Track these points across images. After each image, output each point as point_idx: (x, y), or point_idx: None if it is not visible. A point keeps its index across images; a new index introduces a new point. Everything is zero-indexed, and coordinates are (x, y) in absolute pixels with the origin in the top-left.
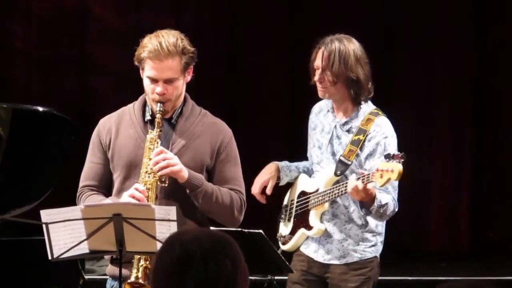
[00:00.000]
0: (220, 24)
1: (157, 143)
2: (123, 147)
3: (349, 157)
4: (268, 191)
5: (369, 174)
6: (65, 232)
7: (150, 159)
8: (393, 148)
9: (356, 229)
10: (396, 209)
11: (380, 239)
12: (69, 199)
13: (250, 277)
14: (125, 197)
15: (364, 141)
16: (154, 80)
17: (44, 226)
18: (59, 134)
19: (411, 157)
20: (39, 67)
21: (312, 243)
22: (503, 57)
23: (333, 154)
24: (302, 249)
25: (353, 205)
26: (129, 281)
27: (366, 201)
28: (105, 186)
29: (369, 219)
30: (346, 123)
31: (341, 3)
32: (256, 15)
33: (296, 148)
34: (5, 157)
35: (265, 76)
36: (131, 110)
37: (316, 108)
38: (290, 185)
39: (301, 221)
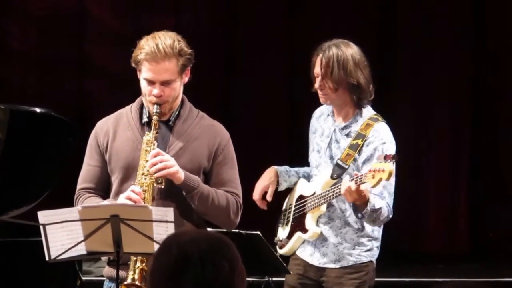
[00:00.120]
0: (219, 25)
1: (154, 145)
2: (120, 149)
3: (347, 161)
4: (269, 197)
5: (362, 174)
6: (62, 233)
7: (147, 161)
8: (389, 153)
9: (352, 233)
10: (391, 216)
11: (376, 244)
12: (67, 201)
13: (248, 279)
14: (122, 199)
15: (362, 145)
16: (151, 82)
17: (41, 227)
18: (57, 135)
19: (409, 157)
20: (36, 68)
21: (308, 246)
22: (503, 58)
23: (331, 157)
24: (298, 252)
25: (350, 209)
26: (125, 282)
27: (359, 204)
28: (102, 188)
29: (366, 223)
30: (345, 127)
31: (341, 3)
32: (254, 15)
33: (295, 150)
34: (3, 158)
35: (264, 77)
36: (128, 112)
37: (317, 112)
38: (289, 189)
39: (298, 224)
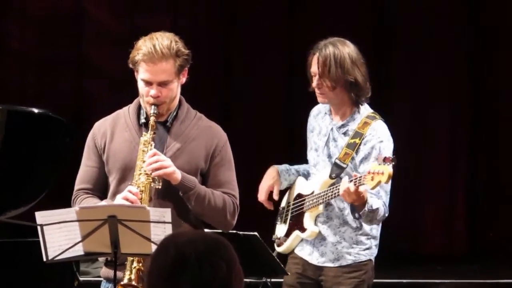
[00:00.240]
0: (217, 26)
1: (151, 145)
2: (118, 150)
3: (345, 160)
4: (275, 196)
5: (361, 176)
6: (60, 234)
7: (144, 161)
8: (388, 152)
9: (351, 231)
10: (387, 214)
11: (375, 242)
12: (64, 201)
13: (245, 279)
14: (119, 199)
15: (360, 144)
16: (148, 83)
17: (39, 227)
18: (54, 136)
19: (407, 158)
20: (35, 68)
21: (307, 245)
22: (501, 58)
23: (329, 156)
24: (296, 251)
25: (348, 208)
26: (122, 283)
27: (357, 205)
28: (100, 189)
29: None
30: (342, 125)
31: (340, 3)
32: (253, 16)
33: (294, 151)
34: (0, 158)
35: (263, 78)
36: (126, 113)
37: (314, 110)
38: (288, 188)
39: (296, 223)
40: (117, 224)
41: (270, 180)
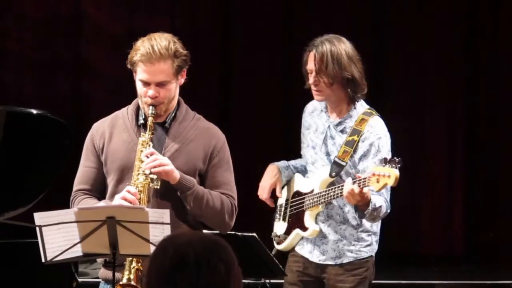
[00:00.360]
0: (215, 27)
1: (149, 145)
2: (116, 151)
3: (344, 158)
4: (279, 193)
5: (365, 178)
6: (58, 235)
7: (142, 161)
8: (386, 149)
9: (351, 229)
10: (389, 211)
11: (375, 238)
12: (63, 202)
13: (244, 280)
14: (117, 200)
15: (358, 141)
16: (146, 83)
17: (37, 228)
18: (53, 137)
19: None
20: (33, 69)
21: (307, 243)
22: (498, 58)
23: (328, 154)
24: (297, 249)
25: (348, 206)
26: (121, 282)
27: (361, 205)
28: (98, 190)
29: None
30: (340, 123)
31: (337, 3)
32: (250, 16)
33: (292, 150)
34: None
35: (261, 79)
36: (124, 114)
37: (309, 107)
38: (284, 184)
39: (296, 221)
40: (116, 225)
41: (272, 178)
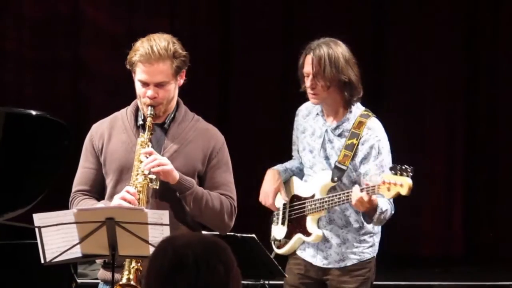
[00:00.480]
0: (214, 28)
1: (148, 146)
2: (115, 151)
3: (345, 162)
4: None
5: (374, 186)
6: (57, 236)
7: (141, 161)
8: (386, 150)
9: (354, 232)
10: (393, 212)
11: (377, 239)
12: (62, 203)
13: (243, 282)
14: (116, 200)
15: (358, 144)
16: (145, 84)
17: (36, 229)
18: (52, 138)
19: (404, 159)
20: (32, 70)
21: (309, 248)
22: (498, 58)
23: (327, 158)
24: (298, 253)
25: (350, 209)
26: (120, 282)
27: (369, 211)
28: (97, 191)
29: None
30: (337, 127)
31: (337, 3)
32: (250, 17)
33: (291, 150)
34: None
35: (260, 80)
36: (123, 115)
37: (303, 110)
38: None
39: (297, 226)
40: (115, 226)
41: (274, 183)
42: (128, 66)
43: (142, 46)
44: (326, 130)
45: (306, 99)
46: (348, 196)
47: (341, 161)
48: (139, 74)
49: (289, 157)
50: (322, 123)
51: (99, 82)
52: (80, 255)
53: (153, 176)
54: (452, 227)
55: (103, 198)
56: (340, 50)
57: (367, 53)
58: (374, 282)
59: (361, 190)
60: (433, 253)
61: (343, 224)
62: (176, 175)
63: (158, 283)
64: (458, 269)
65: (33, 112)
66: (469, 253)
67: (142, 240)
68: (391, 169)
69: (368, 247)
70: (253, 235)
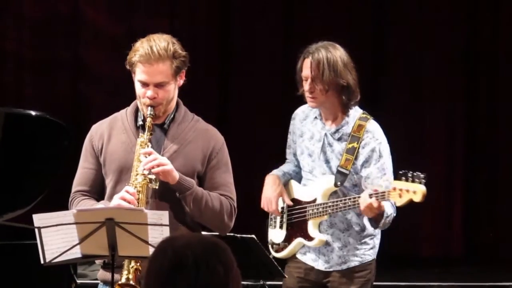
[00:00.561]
0: (214, 28)
1: (148, 146)
2: (114, 152)
3: (347, 167)
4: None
5: (384, 192)
6: (57, 237)
7: (141, 161)
8: (387, 153)
9: (355, 235)
10: (395, 214)
11: (377, 241)
12: (62, 204)
13: (243, 282)
14: (116, 200)
15: (359, 148)
16: (145, 84)
17: (36, 230)
18: (52, 138)
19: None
20: (31, 70)
21: (311, 251)
22: (498, 58)
23: (327, 161)
24: (299, 256)
25: (351, 212)
26: (119, 282)
27: (377, 216)
28: (97, 191)
29: (366, 223)
30: (337, 131)
31: (337, 3)
32: (250, 18)
33: None
34: None
35: (260, 81)
36: (123, 115)
37: (300, 114)
38: None
39: (298, 230)
40: (115, 226)
41: (277, 188)
42: (127, 67)
43: (141, 47)
44: (326, 134)
45: (306, 101)
46: (354, 201)
47: (343, 166)
48: (139, 75)
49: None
50: (321, 127)
51: (99, 82)
52: (79, 255)
53: (153, 176)
54: (452, 227)
55: (102, 199)
56: (338, 53)
57: (367, 53)
58: (374, 283)
59: (370, 196)
60: (433, 254)
61: (344, 228)
62: (176, 175)
63: (157, 284)
64: (458, 269)
65: (33, 113)
66: (469, 253)
67: (142, 241)
68: (402, 175)
69: (369, 249)
70: (253, 236)
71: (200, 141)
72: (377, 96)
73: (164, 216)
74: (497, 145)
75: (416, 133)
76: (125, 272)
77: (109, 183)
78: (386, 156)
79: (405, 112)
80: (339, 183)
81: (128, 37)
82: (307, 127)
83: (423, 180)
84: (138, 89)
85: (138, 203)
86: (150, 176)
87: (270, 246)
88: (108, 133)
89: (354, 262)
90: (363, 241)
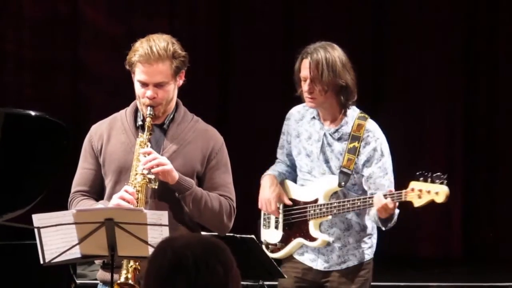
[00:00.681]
0: (213, 29)
1: (147, 146)
2: (114, 152)
3: (349, 166)
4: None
5: (400, 193)
6: (57, 237)
7: (140, 161)
8: (388, 151)
9: (355, 234)
10: (398, 211)
11: (375, 240)
12: (62, 204)
13: (242, 282)
14: (115, 199)
15: (360, 147)
16: (144, 84)
17: (36, 230)
18: (52, 138)
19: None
20: (31, 70)
21: (309, 252)
22: (498, 58)
23: (326, 161)
24: (296, 256)
25: (351, 212)
26: (118, 281)
27: (389, 216)
28: (96, 191)
29: (367, 222)
30: (336, 131)
31: (337, 3)
32: (249, 18)
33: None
34: None
35: (259, 81)
36: (122, 116)
37: (295, 114)
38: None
39: (297, 230)
40: (114, 227)
41: (275, 188)
42: (127, 67)
43: (141, 47)
44: (325, 134)
45: (304, 101)
46: (365, 202)
47: (345, 165)
48: (138, 75)
49: None
50: (320, 127)
51: (99, 82)
52: (79, 255)
53: (152, 176)
54: (452, 227)
55: (102, 199)
56: (337, 54)
57: (367, 53)
58: (374, 283)
59: (385, 197)
60: (432, 254)
61: (345, 228)
62: (176, 175)
63: (157, 284)
64: (458, 269)
65: (32, 113)
66: (469, 254)
67: (141, 241)
68: (420, 176)
69: (367, 248)
70: (252, 236)
71: (199, 141)
72: (377, 96)
73: (163, 216)
74: (496, 145)
75: (416, 133)
76: (124, 272)
77: (108, 183)
78: (386, 155)
79: (405, 112)
80: (342, 183)
81: (128, 37)
82: (304, 127)
83: (445, 181)
84: (138, 89)
85: (138, 203)
86: (149, 176)
87: (264, 246)
88: (108, 134)
89: (354, 261)
90: (362, 240)
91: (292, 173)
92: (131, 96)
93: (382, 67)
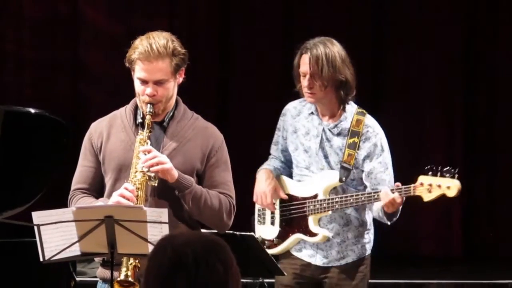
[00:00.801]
0: (213, 28)
1: (147, 143)
2: (114, 150)
3: (350, 162)
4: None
5: (408, 187)
6: (56, 234)
7: (140, 159)
8: (387, 147)
9: (354, 229)
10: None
11: (372, 235)
12: (61, 201)
13: (242, 280)
14: (115, 197)
15: (359, 142)
16: (144, 82)
17: (35, 228)
18: (51, 136)
19: (403, 159)
20: (32, 70)
21: (307, 247)
22: (498, 58)
23: (325, 157)
24: (294, 252)
25: (350, 207)
26: (118, 279)
27: (395, 211)
28: (96, 189)
29: (366, 218)
30: (335, 126)
31: (337, 3)
32: (249, 17)
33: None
34: None
35: (259, 79)
36: (122, 113)
37: (291, 110)
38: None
39: (296, 226)
40: (114, 224)
41: (271, 182)
42: (127, 64)
43: (141, 44)
44: (324, 129)
45: (303, 96)
46: (370, 196)
47: (346, 161)
48: (138, 72)
49: None
50: (318, 122)
51: (99, 82)
52: (79, 253)
53: (152, 174)
54: (452, 227)
55: (102, 196)
56: (336, 49)
57: (367, 53)
58: (375, 280)
59: (393, 191)
60: (433, 253)
61: (344, 223)
62: (175, 173)
63: (157, 282)
64: (458, 267)
65: (32, 110)
66: (468, 253)
67: (141, 238)
68: (429, 170)
69: (366, 244)
70: (252, 234)
71: (199, 139)
72: (377, 96)
73: (163, 213)
74: (496, 145)
75: (416, 133)
76: (123, 269)
77: (108, 181)
78: (386, 150)
79: (405, 112)
80: (343, 178)
81: (128, 37)
82: (301, 123)
83: (456, 174)
84: (138, 86)
85: (137, 200)
86: (149, 174)
87: (263, 243)
88: (107, 131)
89: (352, 257)
90: (361, 235)
91: (286, 169)
92: (131, 96)
93: (382, 67)
